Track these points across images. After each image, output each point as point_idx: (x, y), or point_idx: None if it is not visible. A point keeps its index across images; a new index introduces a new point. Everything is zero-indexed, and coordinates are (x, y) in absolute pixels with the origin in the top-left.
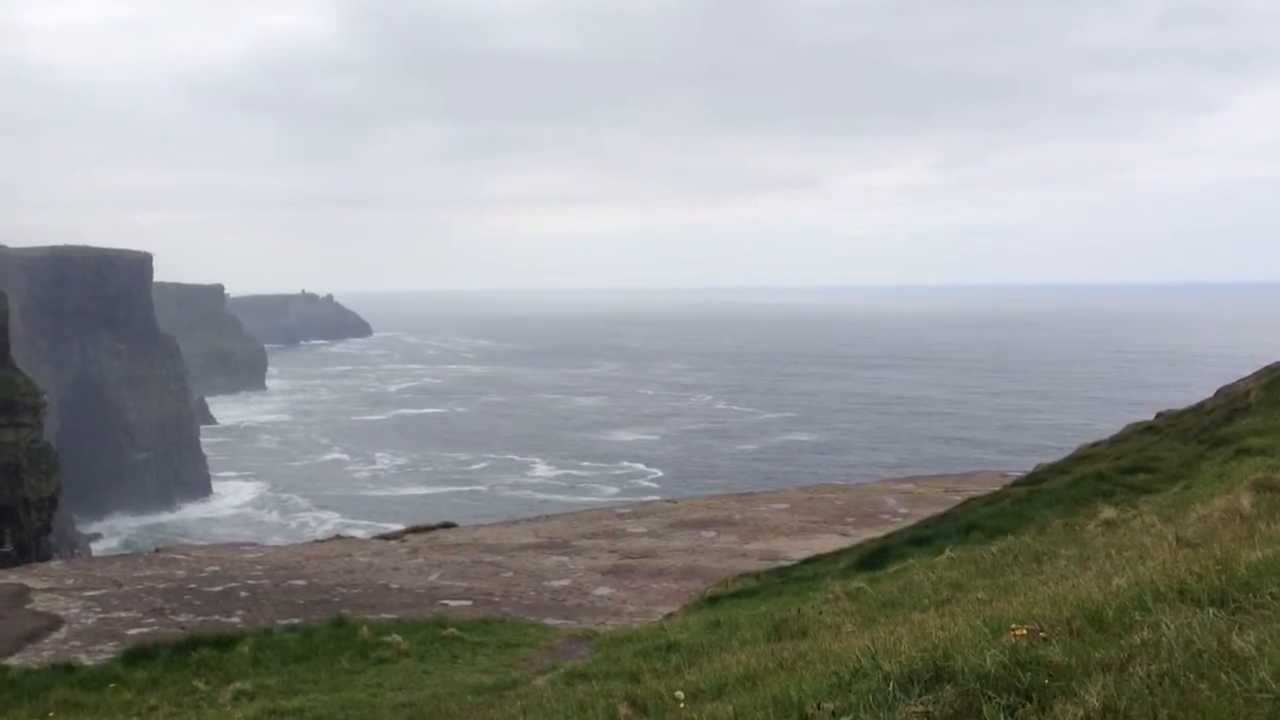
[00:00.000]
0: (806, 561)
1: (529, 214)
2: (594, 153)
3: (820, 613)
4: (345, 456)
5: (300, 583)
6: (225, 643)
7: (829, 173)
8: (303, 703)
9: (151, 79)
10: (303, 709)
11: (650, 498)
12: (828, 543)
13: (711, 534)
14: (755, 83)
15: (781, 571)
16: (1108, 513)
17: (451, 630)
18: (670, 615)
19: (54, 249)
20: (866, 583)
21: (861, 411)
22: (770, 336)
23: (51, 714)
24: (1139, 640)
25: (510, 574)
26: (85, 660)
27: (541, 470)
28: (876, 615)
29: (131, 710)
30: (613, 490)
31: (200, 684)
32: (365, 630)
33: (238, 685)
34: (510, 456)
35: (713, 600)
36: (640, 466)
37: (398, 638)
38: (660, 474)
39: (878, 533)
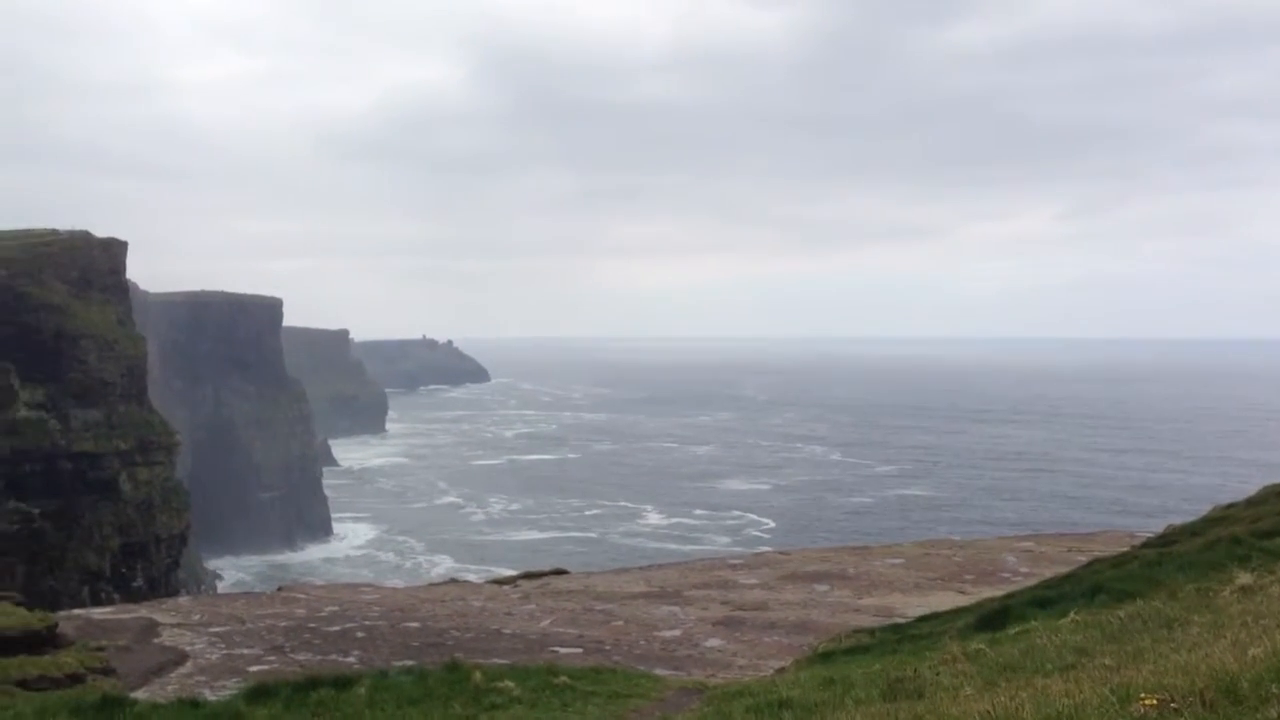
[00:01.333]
0: (922, 619)
1: (646, 263)
2: (711, 202)
3: (938, 673)
4: (460, 500)
5: (415, 625)
6: (343, 683)
7: (948, 223)
8: None
9: (286, 131)
10: None
11: (762, 549)
12: (944, 600)
13: (825, 588)
14: (874, 132)
15: (897, 629)
16: (1244, 578)
17: (563, 678)
18: (782, 670)
19: (191, 294)
20: (986, 644)
21: (980, 466)
22: (886, 388)
23: None
24: (1275, 715)
25: (621, 622)
26: (209, 696)
27: (653, 518)
28: (997, 679)
29: None
30: (724, 540)
31: None
32: (478, 675)
33: None
34: (622, 504)
35: (825, 656)
36: (752, 516)
37: (510, 684)
38: (772, 525)
39: (997, 592)
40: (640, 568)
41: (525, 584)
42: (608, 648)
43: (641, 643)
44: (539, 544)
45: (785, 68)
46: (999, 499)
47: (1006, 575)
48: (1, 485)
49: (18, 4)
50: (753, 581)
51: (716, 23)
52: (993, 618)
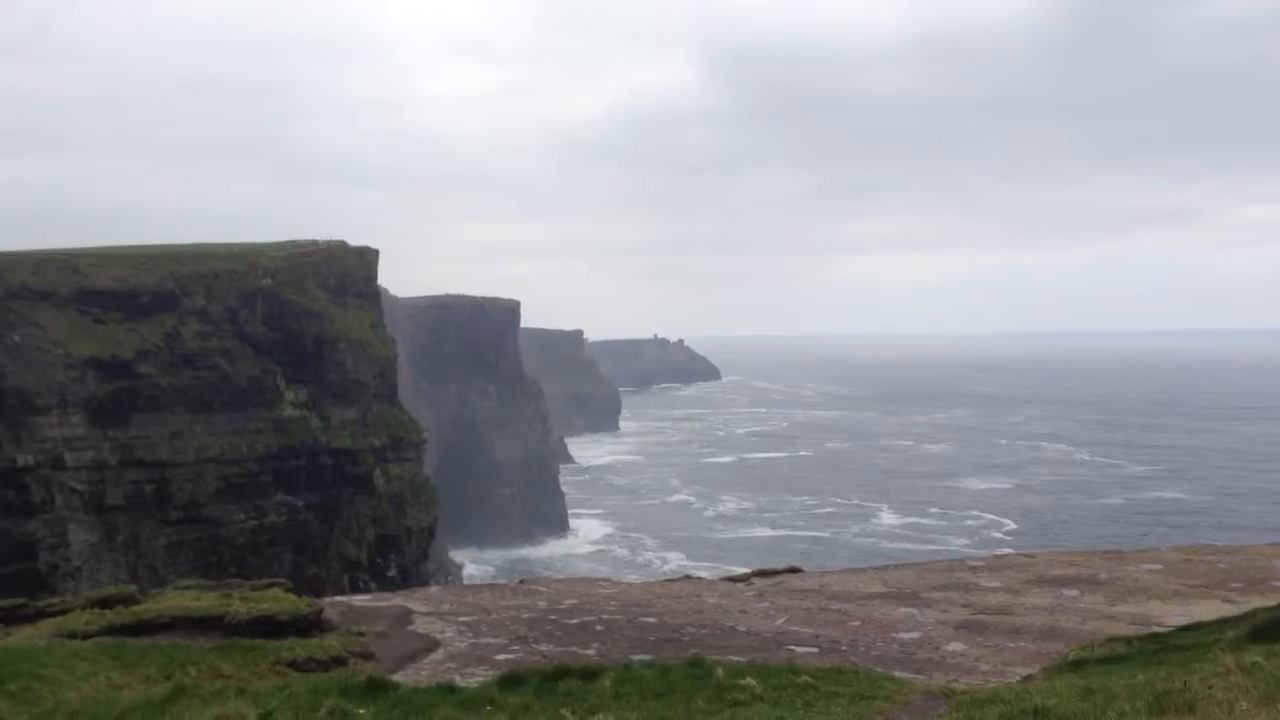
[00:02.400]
0: (1185, 629)
1: (879, 258)
2: (946, 194)
3: (1210, 687)
4: (692, 498)
5: (651, 620)
6: (589, 674)
7: (1206, 206)
8: None
9: (525, 139)
10: None
11: (1004, 550)
12: (1208, 610)
13: (1074, 593)
14: (1119, 114)
15: (1156, 638)
16: None
17: (805, 677)
18: (1030, 678)
19: (435, 298)
20: (1263, 656)
21: (1244, 468)
22: (1135, 383)
23: None
24: None
25: (857, 623)
26: (459, 681)
27: (888, 518)
28: (1276, 693)
29: None
30: (962, 541)
31: (567, 713)
32: (720, 671)
33: (601, 717)
34: (856, 503)
35: (1077, 665)
36: (991, 517)
37: (752, 681)
38: (1013, 526)
39: (1268, 601)
40: (876, 567)
41: (759, 581)
42: (844, 648)
43: (879, 644)
44: (771, 542)
45: (1023, 51)
46: (1268, 503)
47: (1279, 584)
48: (270, 479)
49: (278, 30)
50: (995, 584)
51: (950, 8)
52: (1269, 628)
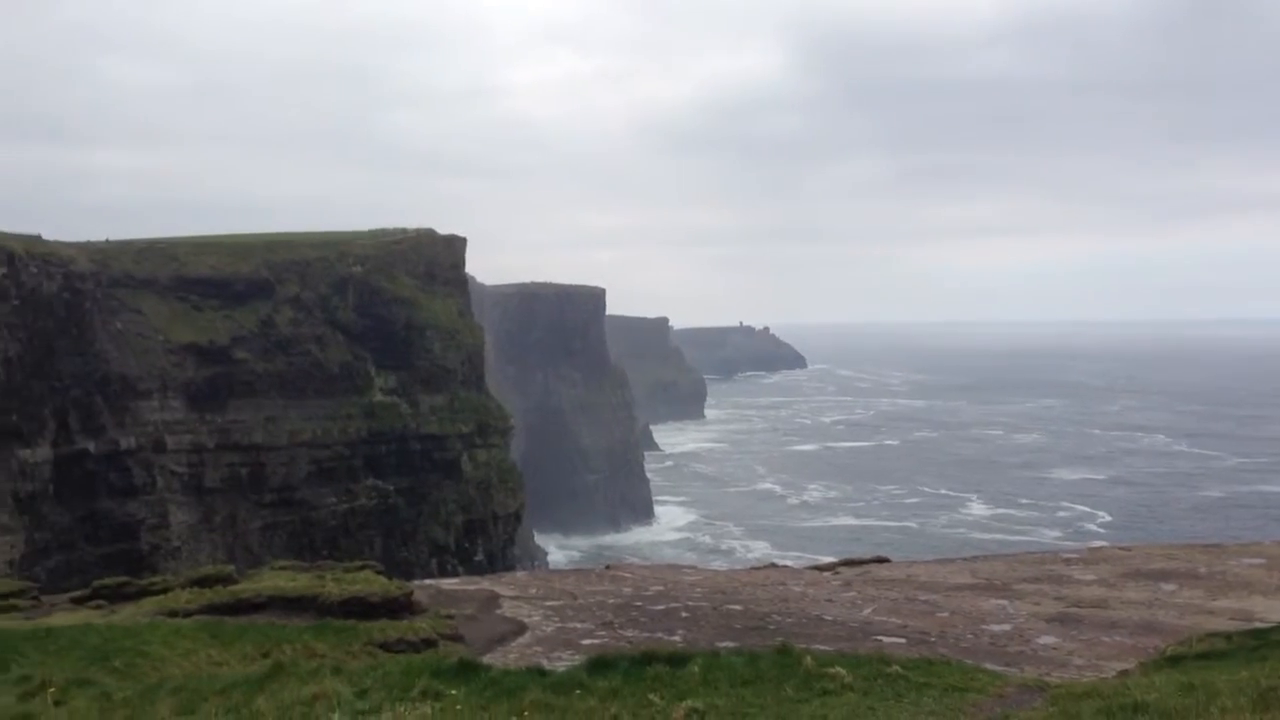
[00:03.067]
0: None
1: (969, 244)
2: (1040, 179)
3: None
4: (776, 487)
5: (737, 607)
6: (678, 660)
7: None
8: None
9: (611, 126)
10: None
11: (1097, 543)
12: None
13: (1172, 587)
14: (1227, 94)
15: (1258, 634)
16: None
17: (895, 668)
18: (1126, 672)
19: (522, 286)
20: None
21: None
22: (1241, 373)
23: (526, 713)
24: None
25: (946, 614)
26: (546, 665)
27: (977, 508)
28: None
29: (594, 716)
30: (1054, 533)
31: (655, 698)
32: (809, 660)
33: (690, 703)
34: (943, 492)
35: (1175, 660)
36: (1084, 509)
37: (841, 670)
38: (1108, 518)
39: None
40: (965, 559)
41: (846, 571)
42: (933, 639)
43: (969, 636)
44: (857, 531)
45: (1123, 31)
46: None
47: None
48: (361, 464)
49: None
50: (1090, 577)
51: None
52: None
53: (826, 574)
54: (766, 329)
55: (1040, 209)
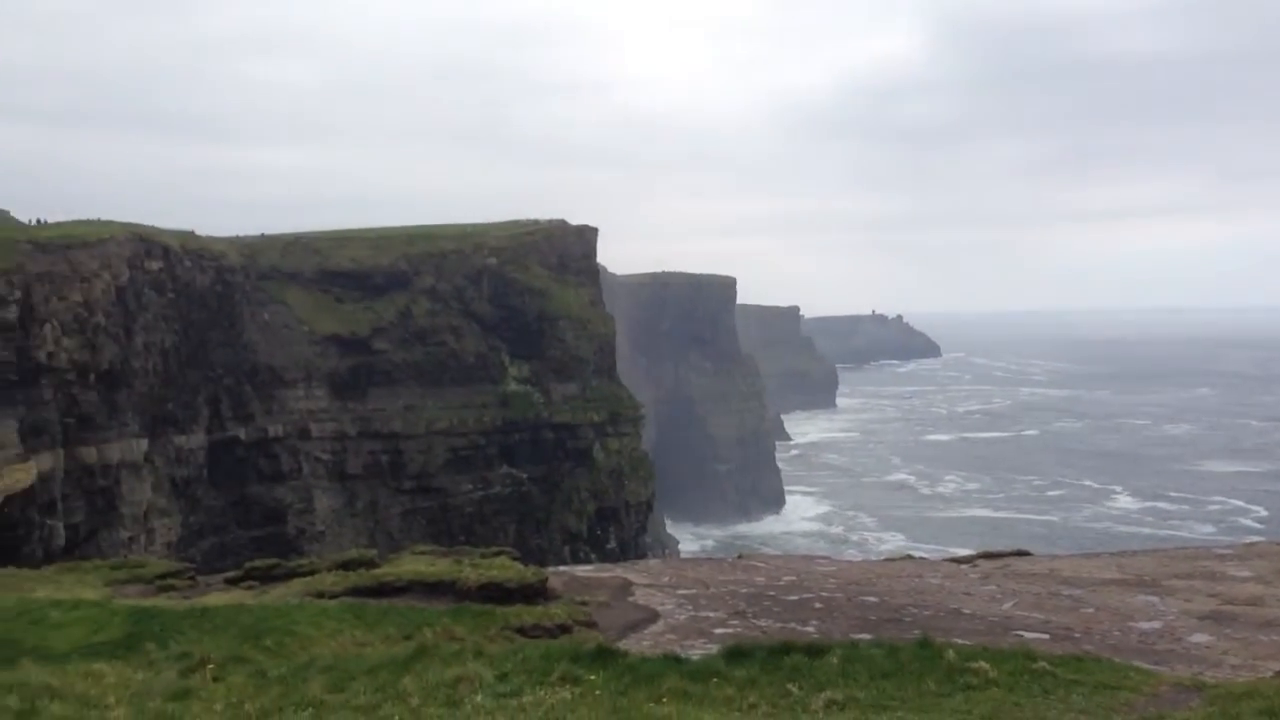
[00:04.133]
0: None
1: (1120, 228)
2: (1203, 158)
3: None
4: (911, 477)
5: (872, 599)
6: (816, 651)
7: None
8: (892, 719)
9: (744, 114)
10: None
11: (1254, 539)
12: None
13: None
14: None
15: None
16: None
17: (1042, 664)
18: None
19: (653, 275)
20: None
21: None
22: None
23: (664, 699)
24: None
25: (1091, 610)
26: (679, 653)
27: (1123, 501)
28: None
29: (733, 705)
30: (1207, 528)
31: (793, 688)
32: (951, 654)
33: (829, 694)
34: (1087, 484)
35: None
36: (1239, 503)
37: (985, 665)
38: (1264, 513)
39: None
40: (1111, 553)
41: (984, 564)
42: (1077, 635)
43: (1115, 633)
44: (995, 523)
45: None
46: None
47: None
48: (495, 452)
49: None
50: (1245, 574)
51: None
52: None
53: (964, 567)
54: (900, 317)
55: (1203, 189)
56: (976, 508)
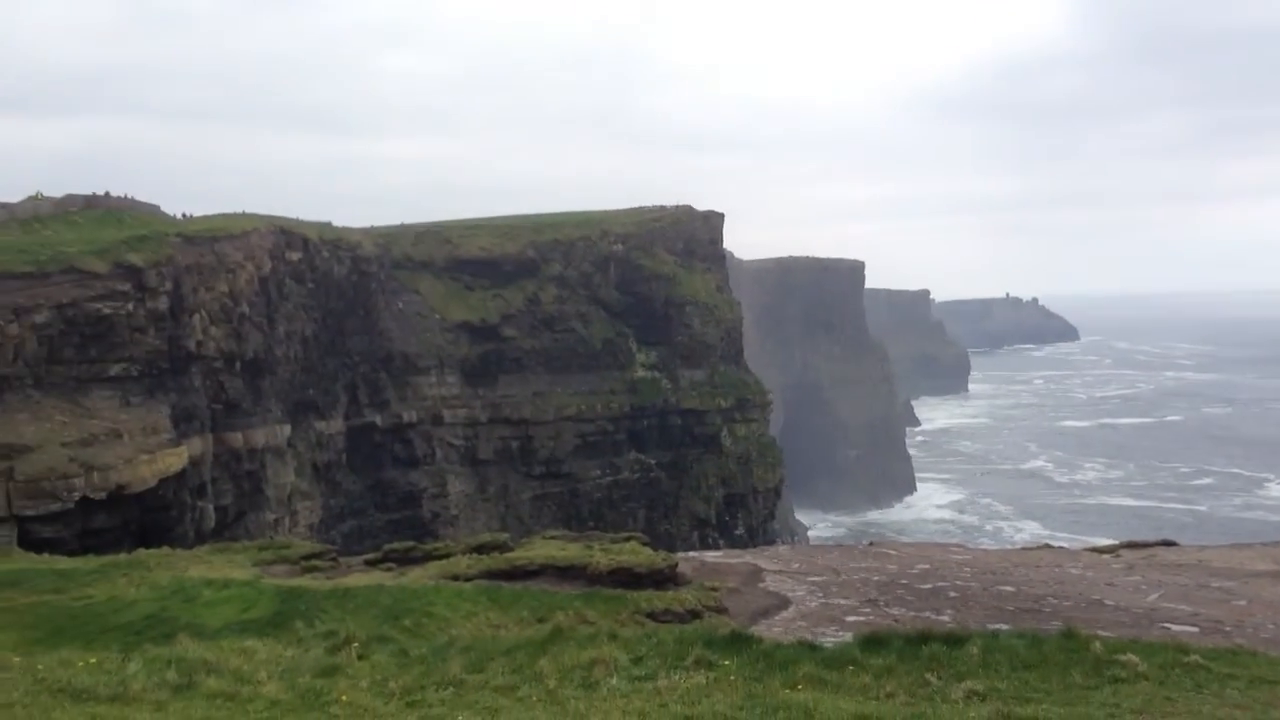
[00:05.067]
0: None
1: (1266, 204)
2: None
3: None
4: (1048, 464)
5: (1009, 589)
6: (955, 641)
7: None
8: (1036, 711)
9: (873, 96)
10: (1036, 718)
11: None
12: None
13: None
14: None
15: None
16: None
17: (1195, 657)
18: None
19: (779, 260)
20: None
21: None
22: None
23: (799, 686)
24: None
25: (1243, 602)
26: (810, 640)
27: (1276, 490)
28: None
29: (869, 694)
30: None
31: (932, 678)
32: (1098, 646)
33: (969, 684)
34: (1235, 472)
35: None
36: None
37: (1134, 657)
38: None
39: None
40: (1264, 544)
41: (1128, 554)
42: (1229, 629)
43: (1270, 626)
44: (1138, 512)
45: None
46: None
47: None
48: (624, 438)
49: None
50: None
51: None
52: None
53: (1106, 556)
54: (1035, 300)
55: None
56: (1118, 496)
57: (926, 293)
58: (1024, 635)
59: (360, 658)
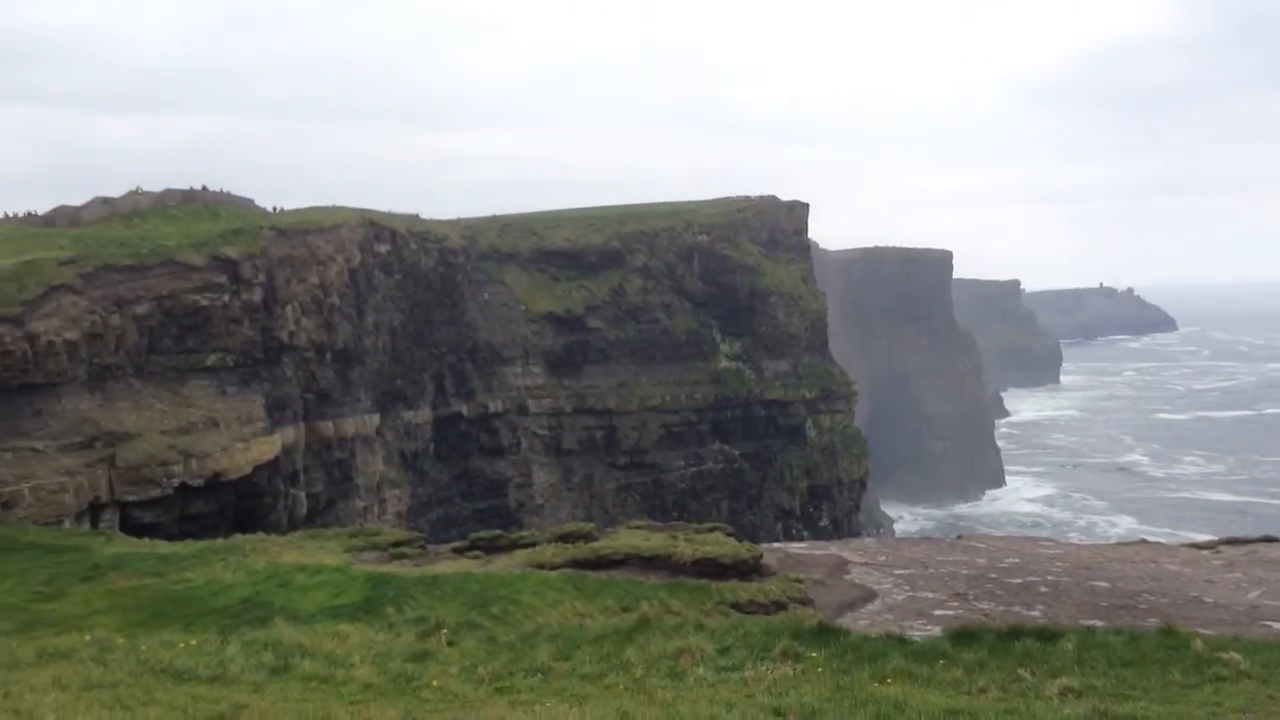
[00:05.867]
0: None
1: None
2: None
3: None
4: (1144, 458)
5: (1102, 584)
6: (1048, 636)
7: None
8: (1134, 709)
9: (963, 85)
10: (1135, 716)
11: None
12: None
13: None
14: None
15: None
16: None
17: None
18: None
19: (865, 250)
20: None
21: None
22: None
23: (889, 680)
24: None
25: None
26: (897, 633)
27: None
28: None
29: (960, 688)
30: None
31: (1025, 674)
32: (1199, 643)
33: (1063, 681)
34: None
35: None
36: None
37: (1237, 656)
38: None
39: None
40: None
41: (1228, 550)
42: None
43: None
44: (1239, 508)
45: None
46: None
47: None
48: (708, 428)
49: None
50: None
51: None
52: None
53: (1205, 553)
54: (1130, 290)
55: None
56: (1217, 491)
57: (1017, 283)
58: (1121, 632)
59: (450, 644)
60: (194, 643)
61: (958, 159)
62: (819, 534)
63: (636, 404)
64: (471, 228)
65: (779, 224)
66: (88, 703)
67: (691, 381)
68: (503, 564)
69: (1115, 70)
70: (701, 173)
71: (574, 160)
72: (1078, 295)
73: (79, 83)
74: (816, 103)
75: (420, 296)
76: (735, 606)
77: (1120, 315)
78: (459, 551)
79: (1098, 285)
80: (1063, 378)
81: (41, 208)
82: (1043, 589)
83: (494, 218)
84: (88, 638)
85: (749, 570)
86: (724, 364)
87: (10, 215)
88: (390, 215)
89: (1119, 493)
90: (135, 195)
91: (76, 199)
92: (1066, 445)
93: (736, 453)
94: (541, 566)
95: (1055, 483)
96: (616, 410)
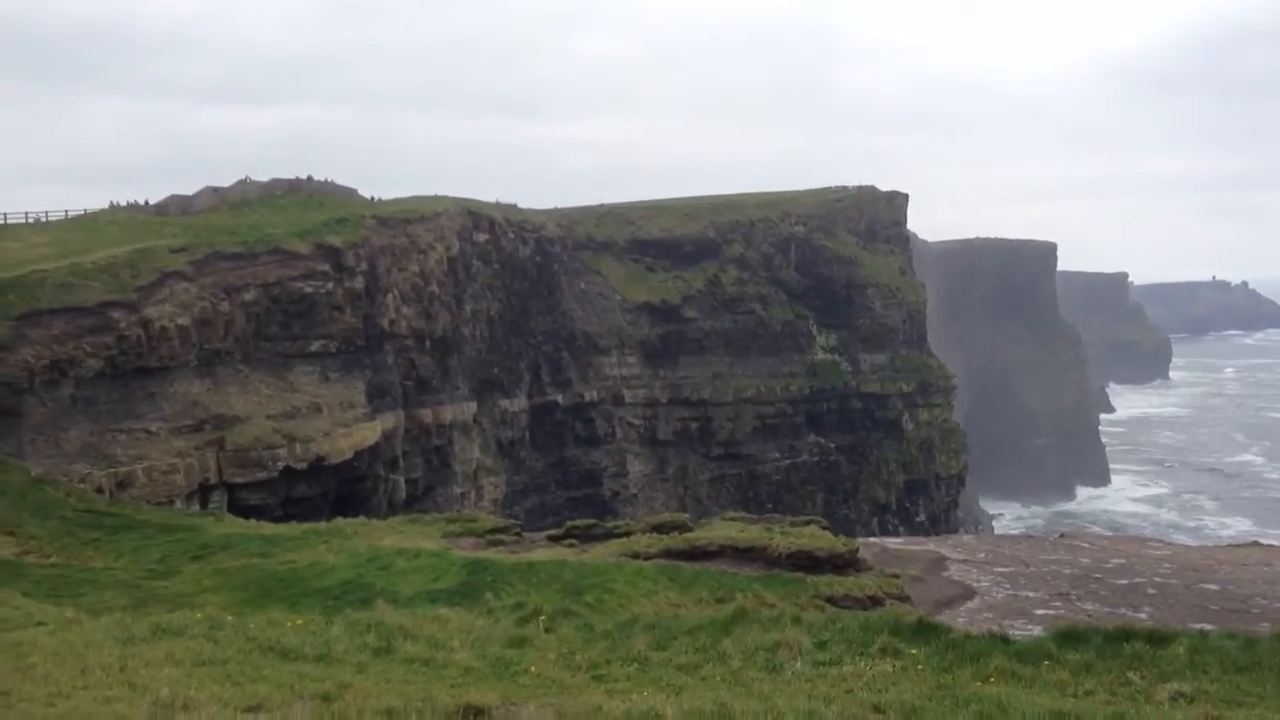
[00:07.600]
0: None
1: None
2: None
3: None
4: (1257, 458)
5: (1212, 587)
6: (1159, 639)
7: None
8: (1248, 716)
9: (1068, 71)
10: None
11: None
12: None
13: None
14: None
15: None
16: None
17: None
18: None
19: (965, 242)
20: None
21: None
22: None
23: (992, 679)
24: None
25: None
26: (997, 632)
27: None
28: None
29: (1066, 690)
30: None
31: (1134, 677)
32: None
33: (1175, 685)
34: None
35: None
36: None
37: None
38: None
39: None
40: None
41: None
42: None
43: None
44: None
45: None
46: None
47: None
48: (803, 420)
49: None
50: None
51: None
52: None
53: None
54: (1245, 283)
55: None
56: None
57: (1124, 275)
58: (1235, 636)
59: (547, 630)
60: (300, 622)
61: (1061, 148)
62: (915, 530)
63: (731, 395)
64: (568, 217)
65: (877, 214)
66: (200, 678)
67: (787, 373)
68: (597, 553)
69: (1224, 57)
70: (800, 162)
71: (669, 149)
72: (1189, 289)
73: (187, 74)
74: (921, 92)
75: (517, 286)
76: (830, 601)
77: (1234, 309)
78: (554, 539)
79: (1210, 278)
80: (1172, 373)
81: (155, 196)
82: (1150, 591)
83: (590, 207)
84: (199, 615)
85: (844, 564)
86: (820, 356)
87: (126, 204)
88: (488, 204)
89: (1230, 493)
90: (244, 185)
91: (188, 188)
92: (1174, 443)
93: (832, 445)
94: (636, 556)
95: (1162, 482)
96: (711, 401)
